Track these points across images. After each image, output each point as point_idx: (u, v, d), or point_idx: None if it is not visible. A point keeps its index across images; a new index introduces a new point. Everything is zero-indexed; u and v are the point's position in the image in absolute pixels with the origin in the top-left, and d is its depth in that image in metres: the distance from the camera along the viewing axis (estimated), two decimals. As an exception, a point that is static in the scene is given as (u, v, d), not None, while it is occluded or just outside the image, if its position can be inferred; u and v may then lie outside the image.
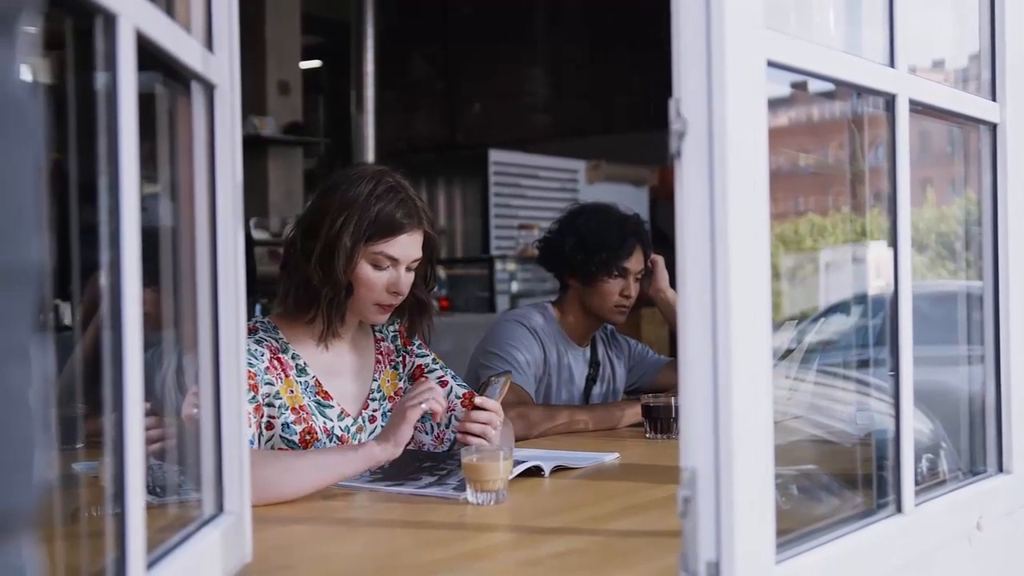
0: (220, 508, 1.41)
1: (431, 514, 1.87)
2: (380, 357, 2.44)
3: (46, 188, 0.61)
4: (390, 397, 2.42)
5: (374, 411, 2.39)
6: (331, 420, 2.29)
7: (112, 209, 1.03)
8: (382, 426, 2.35)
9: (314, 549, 1.70)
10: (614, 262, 3.05)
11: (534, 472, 2.17)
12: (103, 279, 1.03)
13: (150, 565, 1.11)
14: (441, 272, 7.73)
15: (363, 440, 2.31)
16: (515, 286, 7.60)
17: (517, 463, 2.09)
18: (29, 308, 0.59)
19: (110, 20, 1.02)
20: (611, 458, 2.41)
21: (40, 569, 0.64)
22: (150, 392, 1.11)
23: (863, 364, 2.03)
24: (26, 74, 0.61)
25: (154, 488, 1.36)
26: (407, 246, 2.26)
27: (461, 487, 1.96)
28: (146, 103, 1.11)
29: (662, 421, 2.71)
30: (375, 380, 2.41)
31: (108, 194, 1.03)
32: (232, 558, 1.40)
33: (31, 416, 0.59)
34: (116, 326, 1.03)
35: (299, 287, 2.26)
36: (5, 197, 0.57)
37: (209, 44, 1.39)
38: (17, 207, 0.58)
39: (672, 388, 3.05)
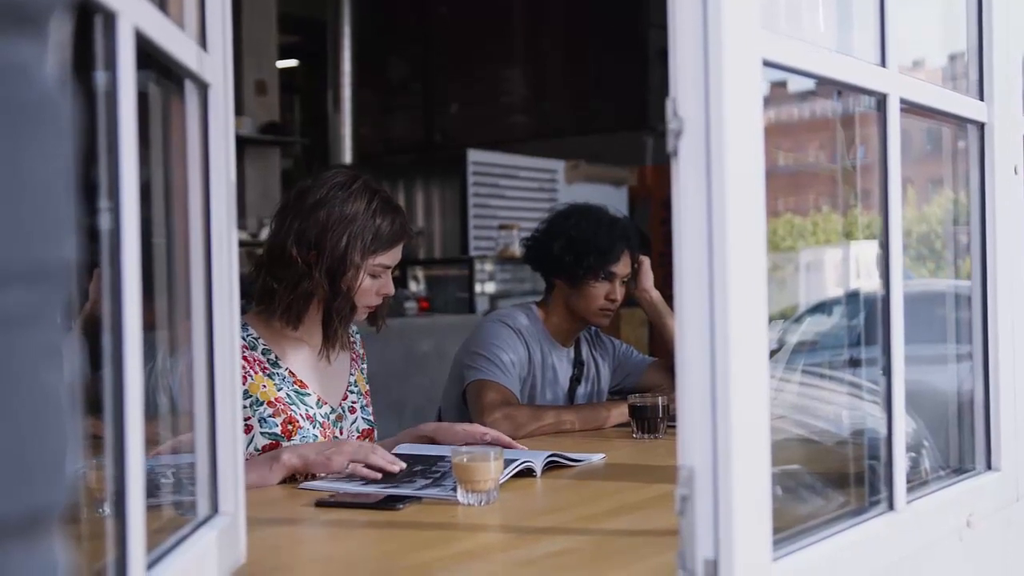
0: (215, 509, 1.41)
1: (422, 515, 1.86)
2: (354, 356, 2.55)
3: (77, 186, 0.61)
4: (365, 392, 2.53)
5: (353, 403, 2.48)
6: (311, 407, 2.36)
7: (113, 209, 1.02)
8: (362, 418, 2.48)
9: (308, 550, 1.69)
10: (602, 266, 3.05)
11: (524, 472, 2.17)
12: (104, 279, 1.02)
13: (149, 566, 1.10)
14: (420, 273, 7.73)
15: (344, 429, 2.42)
16: (495, 287, 7.60)
17: (508, 463, 2.09)
18: (61, 307, 0.59)
19: (110, 19, 1.01)
20: (599, 458, 2.42)
21: (71, 564, 0.64)
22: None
23: (848, 363, 2.04)
24: (57, 72, 0.61)
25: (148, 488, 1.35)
26: (399, 253, 2.40)
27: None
28: (138, 102, 1.10)
29: (649, 421, 2.72)
30: (351, 375, 2.51)
31: (108, 194, 1.02)
32: (227, 559, 1.40)
33: (63, 414, 0.59)
34: (116, 327, 1.03)
35: (302, 300, 2.31)
36: (39, 195, 0.57)
37: (203, 43, 1.38)
38: (51, 205, 0.57)
39: (657, 388, 3.06)
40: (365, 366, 2.60)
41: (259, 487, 2.06)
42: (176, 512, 1.44)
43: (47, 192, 0.58)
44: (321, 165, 9.03)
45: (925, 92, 1.72)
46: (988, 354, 1.88)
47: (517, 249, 7.16)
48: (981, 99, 1.87)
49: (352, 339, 2.55)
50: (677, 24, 1.22)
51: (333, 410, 2.41)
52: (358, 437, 2.45)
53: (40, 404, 0.57)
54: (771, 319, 2.30)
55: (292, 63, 10.56)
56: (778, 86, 1.55)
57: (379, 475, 2.08)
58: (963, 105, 1.83)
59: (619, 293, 3.10)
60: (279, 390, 2.31)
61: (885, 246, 1.58)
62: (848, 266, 2.09)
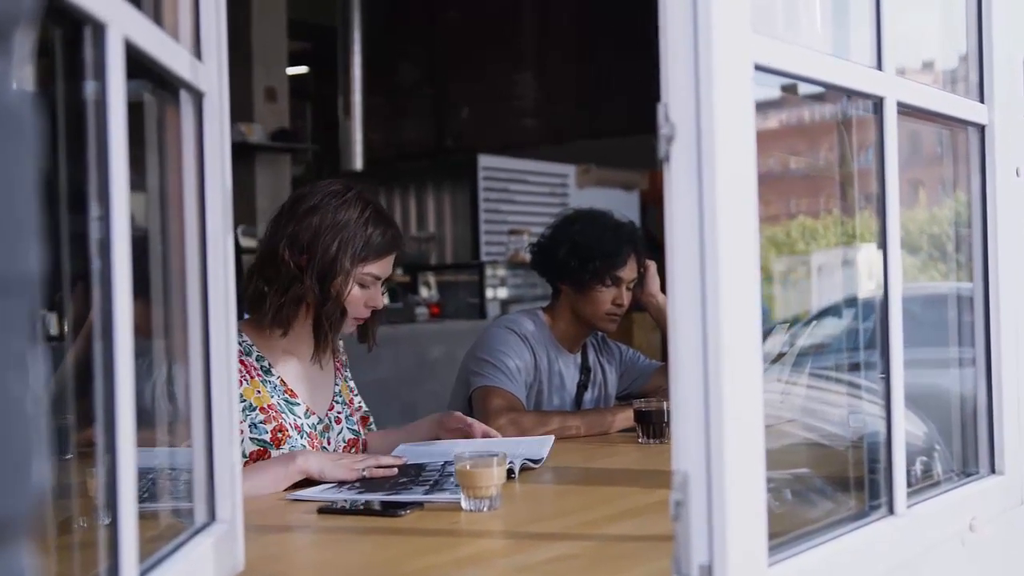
0: (212, 516, 1.41)
1: (424, 521, 1.86)
2: (338, 365, 2.57)
3: (43, 197, 0.62)
4: (349, 402, 2.55)
5: (338, 413, 2.51)
6: (299, 417, 2.38)
7: (103, 218, 1.03)
8: (348, 428, 2.50)
9: (306, 557, 1.70)
10: (608, 271, 3.04)
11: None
12: (94, 289, 1.03)
13: (144, 573, 1.11)
14: (431, 278, 7.73)
15: (331, 439, 2.45)
16: (505, 292, 7.60)
17: None
18: (27, 317, 0.60)
19: (99, 29, 1.02)
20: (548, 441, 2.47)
21: (40, 572, 0.64)
22: (140, 402, 1.11)
23: (855, 367, 2.04)
24: (23, 84, 0.62)
25: (143, 496, 1.36)
26: (389, 265, 2.42)
27: (459, 490, 1.95)
28: (133, 111, 1.10)
29: (654, 425, 2.71)
30: (336, 385, 2.53)
31: (98, 203, 1.03)
32: (224, 567, 1.40)
33: (29, 423, 0.59)
34: (107, 336, 1.03)
35: (293, 304, 2.33)
36: (4, 206, 0.57)
37: (198, 52, 1.38)
38: (16, 216, 0.58)
39: (663, 393, 3.05)
40: (349, 373, 2.61)
41: (272, 491, 2.09)
42: (175, 520, 1.45)
43: (12, 203, 0.58)
44: (332, 171, 9.03)
45: (923, 95, 1.71)
46: (991, 357, 1.88)
47: (528, 254, 7.16)
48: (982, 101, 1.86)
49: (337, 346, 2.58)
50: (667, 28, 1.22)
51: (320, 420, 2.43)
52: (344, 447, 2.46)
53: (4, 414, 0.58)
54: (783, 322, 2.29)
55: (302, 70, 10.57)
56: (788, 89, 1.55)
57: (395, 471, 2.20)
58: (963, 107, 1.83)
59: (626, 298, 3.09)
60: (271, 397, 2.33)
61: (883, 248, 1.57)
62: (858, 269, 2.08)
